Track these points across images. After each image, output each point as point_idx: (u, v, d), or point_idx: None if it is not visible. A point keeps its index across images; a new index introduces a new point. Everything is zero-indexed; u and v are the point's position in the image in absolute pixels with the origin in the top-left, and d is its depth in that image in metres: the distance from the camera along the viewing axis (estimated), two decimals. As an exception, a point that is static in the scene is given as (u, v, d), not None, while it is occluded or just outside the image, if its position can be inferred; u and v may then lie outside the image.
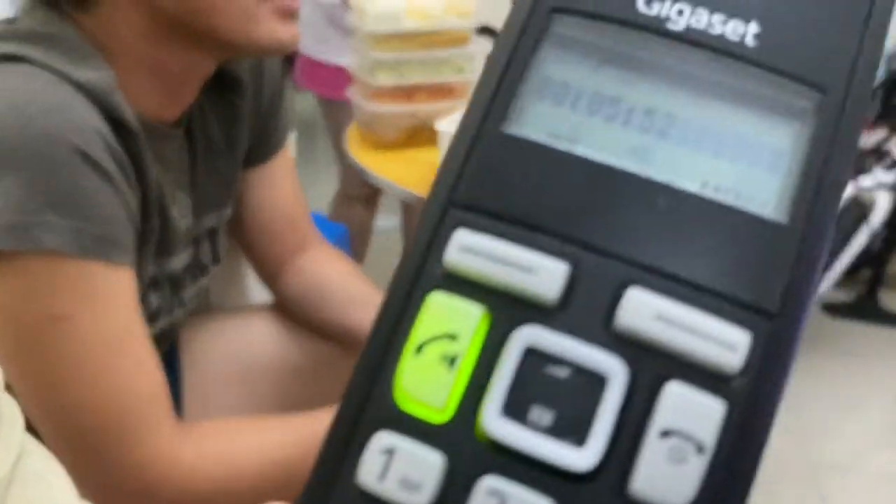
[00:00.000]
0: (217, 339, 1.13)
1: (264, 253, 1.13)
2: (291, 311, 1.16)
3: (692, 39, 0.16)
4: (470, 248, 0.15)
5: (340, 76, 1.76)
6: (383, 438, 0.14)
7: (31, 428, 0.65)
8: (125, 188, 0.77)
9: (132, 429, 0.75)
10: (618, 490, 0.14)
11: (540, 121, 0.16)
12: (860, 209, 1.86)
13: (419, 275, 0.15)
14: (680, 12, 0.16)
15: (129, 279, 0.77)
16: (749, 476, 0.14)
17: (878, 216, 1.84)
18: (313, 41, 1.89)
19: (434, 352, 0.14)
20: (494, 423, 0.14)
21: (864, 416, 2.20)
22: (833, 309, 2.20)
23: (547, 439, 0.14)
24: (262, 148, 1.06)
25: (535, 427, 0.14)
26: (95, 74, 0.77)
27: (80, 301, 0.73)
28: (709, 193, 0.15)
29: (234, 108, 0.99)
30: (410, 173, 1.32)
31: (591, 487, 0.14)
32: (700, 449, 0.13)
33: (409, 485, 0.14)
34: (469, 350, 0.14)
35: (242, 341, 1.14)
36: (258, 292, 1.26)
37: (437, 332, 0.14)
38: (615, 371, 0.14)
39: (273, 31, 0.82)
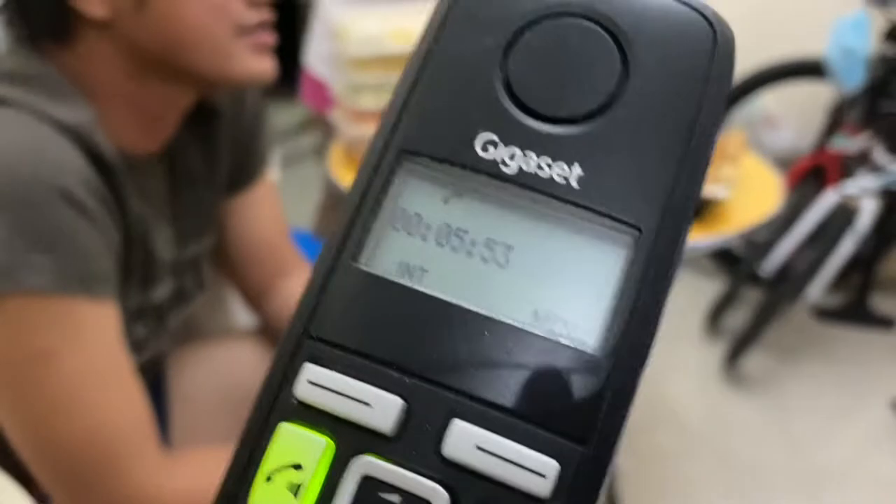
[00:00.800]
0: (203, 367, 1.14)
1: (248, 278, 1.14)
2: (276, 335, 1.18)
3: (523, 183, 0.18)
4: (317, 382, 0.17)
5: None
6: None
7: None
8: (107, 223, 0.79)
9: (119, 461, 0.76)
10: None
11: (392, 252, 0.18)
12: (846, 215, 1.87)
13: (274, 403, 0.17)
14: (512, 156, 0.18)
15: (112, 314, 0.79)
16: None
17: (863, 222, 1.86)
18: (319, 60, 1.91)
19: (281, 480, 0.16)
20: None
21: (857, 420, 2.20)
22: (823, 314, 2.21)
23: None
24: (242, 176, 1.08)
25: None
26: (75, 113, 0.78)
27: (65, 337, 0.74)
28: (536, 323, 0.17)
29: (213, 139, 1.00)
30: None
31: None
32: (511, 569, 0.15)
33: None
34: (313, 479, 0.16)
35: (228, 368, 1.16)
36: (243, 316, 1.28)
37: (284, 462, 0.16)
38: (439, 498, 0.16)
39: (248, 66, 0.84)
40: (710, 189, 1.34)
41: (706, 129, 0.18)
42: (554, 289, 0.17)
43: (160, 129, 0.91)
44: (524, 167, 0.18)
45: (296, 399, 0.17)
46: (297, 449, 0.16)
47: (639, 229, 0.17)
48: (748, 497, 1.95)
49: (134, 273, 0.87)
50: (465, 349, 0.17)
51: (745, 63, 2.53)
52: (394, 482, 0.16)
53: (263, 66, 0.84)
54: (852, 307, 2.23)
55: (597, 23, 0.18)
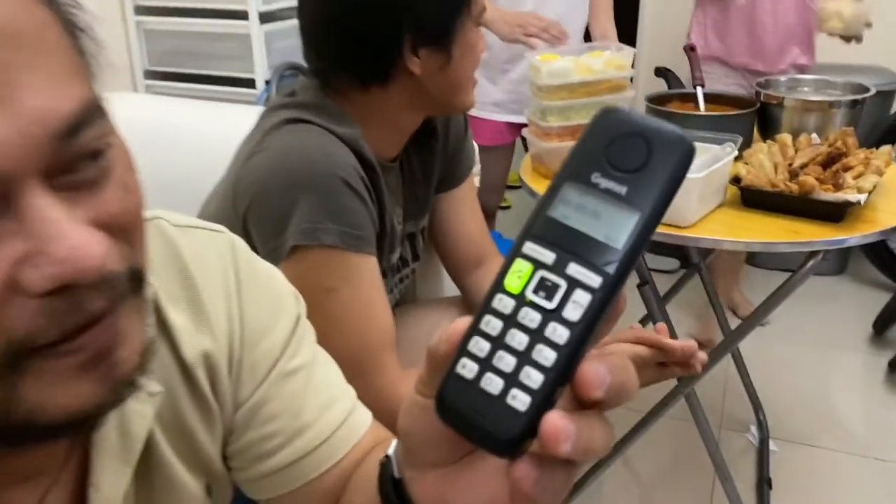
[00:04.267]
0: (415, 327, 1.46)
1: (452, 262, 1.47)
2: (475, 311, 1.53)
3: (606, 191, 0.52)
4: (529, 247, 0.52)
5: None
6: (499, 296, 0.52)
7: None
8: (370, 205, 1.17)
9: (375, 365, 1.09)
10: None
11: (559, 209, 0.53)
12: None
13: (516, 252, 0.53)
14: (603, 181, 0.52)
15: (374, 265, 1.15)
16: (604, 301, 0.50)
17: None
18: None
19: (514, 274, 0.52)
20: (529, 294, 0.51)
21: None
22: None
23: (540, 298, 0.51)
24: (449, 178, 1.44)
25: (537, 294, 0.51)
26: (349, 130, 1.18)
27: (344, 279, 1.09)
28: (603, 240, 0.51)
29: (429, 149, 1.39)
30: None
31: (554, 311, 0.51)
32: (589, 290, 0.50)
33: (500, 315, 0.52)
34: (523, 277, 0.52)
35: (436, 329, 1.51)
36: (452, 288, 1.60)
37: (515, 270, 0.52)
38: (561, 285, 0.51)
39: (470, 98, 1.22)
40: (850, 195, 1.55)
41: (672, 183, 0.51)
42: (611, 227, 0.52)
43: (400, 142, 1.30)
44: (607, 185, 0.52)
45: (522, 251, 0.53)
46: (520, 267, 0.52)
47: (643, 208, 0.51)
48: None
49: (383, 243, 1.25)
50: (578, 242, 0.52)
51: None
52: (551, 279, 0.51)
53: (473, 98, 1.22)
54: None
55: (641, 138, 0.52)
